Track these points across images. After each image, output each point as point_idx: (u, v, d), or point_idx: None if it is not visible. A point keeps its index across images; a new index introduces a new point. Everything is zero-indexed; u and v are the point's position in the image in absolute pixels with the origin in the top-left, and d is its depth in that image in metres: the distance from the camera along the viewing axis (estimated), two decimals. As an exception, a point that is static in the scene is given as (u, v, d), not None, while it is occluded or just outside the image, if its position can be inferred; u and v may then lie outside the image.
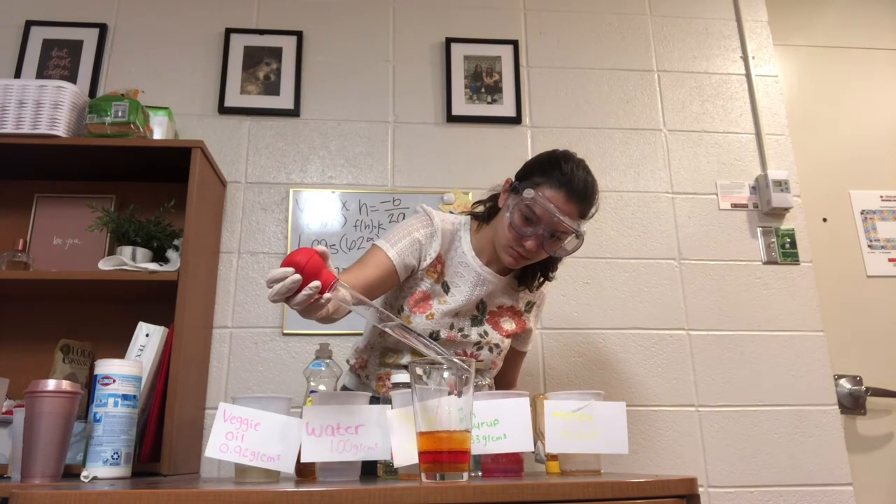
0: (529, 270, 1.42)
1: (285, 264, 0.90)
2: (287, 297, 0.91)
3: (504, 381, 1.54)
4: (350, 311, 1.03)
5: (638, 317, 2.02)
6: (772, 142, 2.23)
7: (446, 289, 1.36)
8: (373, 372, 1.41)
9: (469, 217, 1.44)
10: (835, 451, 1.93)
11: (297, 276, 0.89)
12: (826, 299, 2.09)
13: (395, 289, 1.38)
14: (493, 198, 1.41)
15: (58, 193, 1.94)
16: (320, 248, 0.95)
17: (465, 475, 0.85)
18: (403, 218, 2.03)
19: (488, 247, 1.38)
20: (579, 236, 1.30)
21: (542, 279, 1.45)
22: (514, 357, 1.53)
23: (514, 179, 1.34)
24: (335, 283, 0.92)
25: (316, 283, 0.89)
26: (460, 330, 1.37)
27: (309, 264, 0.89)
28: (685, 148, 2.22)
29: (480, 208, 1.44)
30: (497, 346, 1.40)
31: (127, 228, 1.78)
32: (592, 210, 1.33)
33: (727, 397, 1.96)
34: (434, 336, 1.34)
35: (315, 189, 2.07)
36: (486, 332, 1.39)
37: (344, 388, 1.46)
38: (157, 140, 1.88)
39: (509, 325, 1.43)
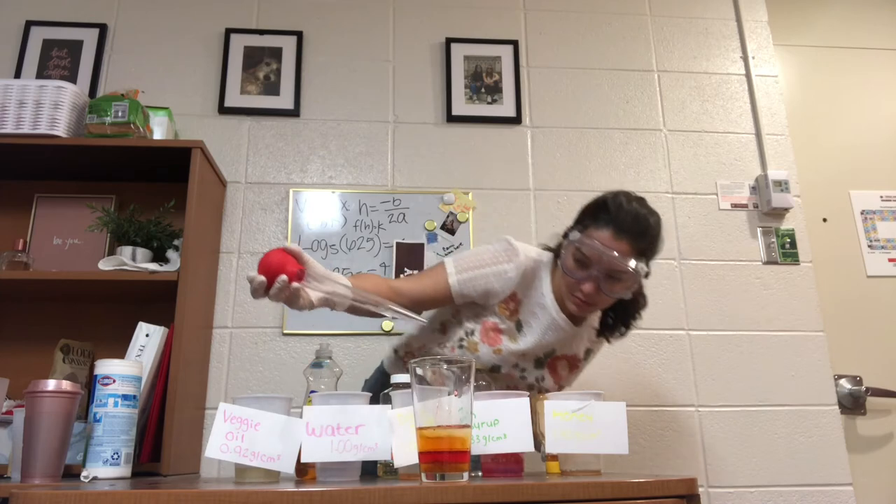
0: (610, 320, 1.37)
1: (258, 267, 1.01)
2: (267, 295, 1.02)
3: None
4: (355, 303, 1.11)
5: (638, 317, 2.02)
6: (772, 142, 2.23)
7: (519, 327, 1.33)
8: None
9: (552, 255, 1.36)
10: (835, 451, 1.93)
11: (261, 277, 1.00)
12: (826, 299, 2.09)
13: (466, 306, 1.34)
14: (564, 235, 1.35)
15: (58, 193, 1.94)
16: (290, 246, 1.04)
17: (465, 475, 0.85)
18: (403, 218, 2.04)
19: (563, 295, 1.31)
20: (638, 274, 1.22)
21: (624, 329, 1.39)
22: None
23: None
24: (301, 272, 1.02)
25: (283, 276, 0.99)
26: (522, 370, 1.36)
27: (273, 263, 1.01)
28: (685, 148, 2.21)
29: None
30: (547, 391, 1.39)
31: (127, 228, 1.78)
32: (649, 245, 1.25)
33: (727, 397, 1.96)
34: (495, 369, 1.33)
35: (315, 189, 2.07)
36: (542, 377, 1.38)
37: (381, 366, 1.50)
38: (157, 140, 1.88)
39: (564, 370, 1.41)
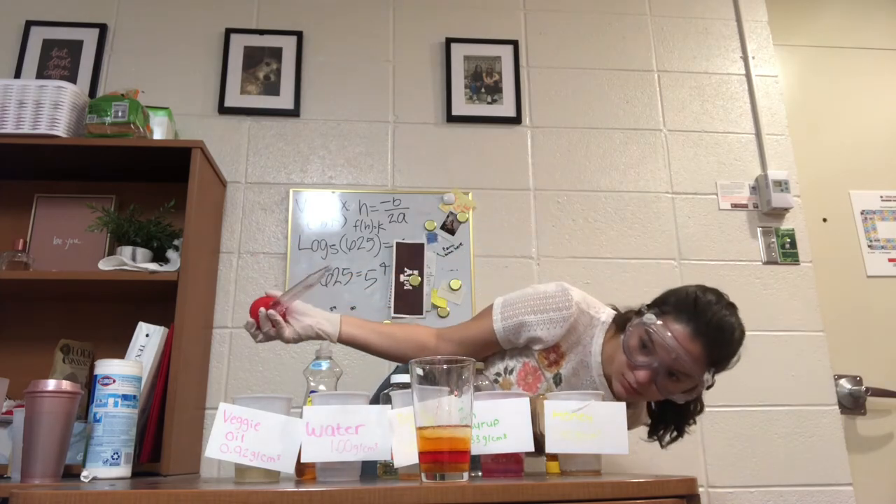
0: (662, 419, 1.29)
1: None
2: (265, 338, 1.27)
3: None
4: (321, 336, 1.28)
5: (638, 317, 2.02)
6: (772, 142, 2.23)
7: (558, 382, 1.26)
8: None
9: (612, 315, 1.27)
10: (835, 451, 1.93)
11: (252, 320, 1.25)
12: (826, 299, 2.09)
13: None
14: (629, 314, 1.25)
15: (58, 193, 1.94)
16: (271, 291, 1.28)
17: (465, 475, 0.85)
18: (403, 219, 2.03)
19: (611, 368, 1.23)
20: (702, 384, 1.15)
21: (675, 433, 1.29)
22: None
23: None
24: (274, 302, 1.24)
25: (251, 321, 1.25)
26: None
27: (256, 303, 1.26)
28: (685, 148, 2.21)
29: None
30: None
31: (127, 228, 1.78)
32: (725, 357, 1.17)
33: (727, 397, 1.96)
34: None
35: (315, 189, 2.07)
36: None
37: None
38: (157, 140, 1.88)
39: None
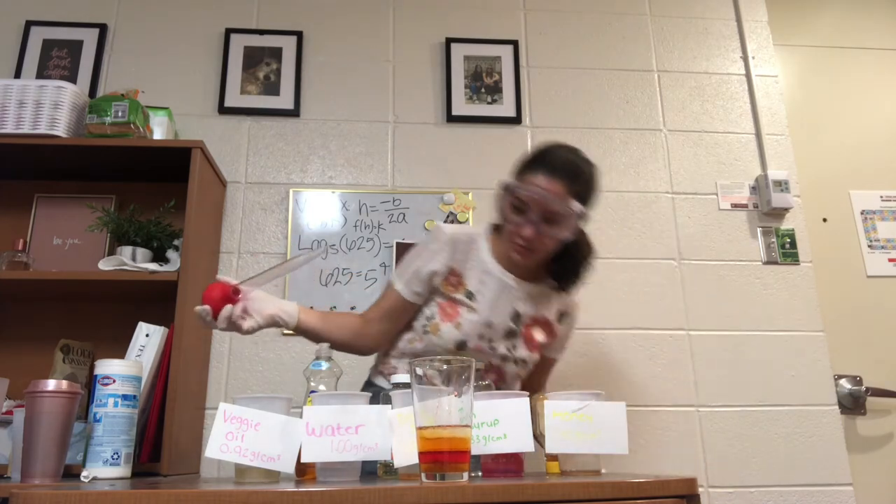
0: (562, 269, 1.40)
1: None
2: (218, 325, 1.18)
3: (532, 385, 1.49)
4: (280, 325, 1.28)
5: (638, 317, 2.02)
6: (772, 142, 2.23)
7: (471, 297, 1.36)
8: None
9: (489, 225, 1.44)
10: (835, 451, 1.93)
11: (207, 306, 1.17)
12: (826, 299, 2.09)
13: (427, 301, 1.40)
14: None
15: (58, 193, 1.94)
16: (224, 278, 1.21)
17: (465, 475, 0.85)
18: (403, 219, 2.04)
19: (506, 252, 1.36)
20: (574, 213, 1.27)
21: (575, 277, 1.41)
22: (544, 363, 1.50)
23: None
24: (235, 289, 1.18)
25: (206, 308, 1.17)
26: (489, 341, 1.36)
27: (214, 291, 1.18)
28: (685, 148, 2.21)
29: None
30: (524, 361, 1.39)
31: (127, 228, 1.78)
32: (584, 188, 1.30)
33: (727, 397, 1.96)
34: (461, 346, 1.34)
35: (315, 189, 2.07)
36: (514, 346, 1.38)
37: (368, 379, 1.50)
38: (157, 140, 1.88)
39: (540, 336, 1.42)
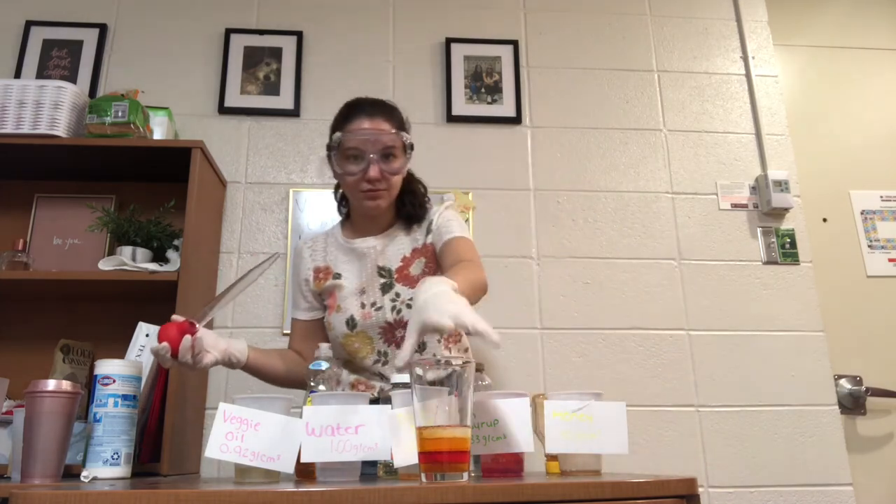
0: (408, 206, 1.46)
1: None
2: (177, 362, 1.16)
3: (446, 268, 1.38)
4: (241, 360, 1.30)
5: (638, 317, 2.02)
6: (772, 142, 2.23)
7: (338, 277, 1.44)
8: (346, 381, 1.42)
9: (337, 223, 1.54)
10: (835, 451, 1.93)
11: (165, 344, 1.13)
12: (826, 299, 2.09)
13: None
14: (336, 186, 1.51)
15: (58, 193, 1.94)
16: (177, 317, 1.19)
17: (465, 475, 0.85)
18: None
19: (357, 221, 1.47)
20: (407, 145, 1.35)
21: (421, 209, 1.46)
22: (447, 251, 1.40)
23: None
24: (190, 324, 1.17)
25: (164, 345, 1.13)
26: (372, 305, 1.38)
27: (170, 328, 1.15)
28: (685, 148, 2.21)
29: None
30: (412, 298, 1.31)
31: (127, 228, 1.78)
32: (402, 121, 1.40)
33: (727, 397, 1.96)
34: (351, 325, 1.38)
35: (315, 189, 2.07)
36: (397, 294, 1.38)
37: None
38: (157, 140, 1.88)
39: (417, 268, 1.42)
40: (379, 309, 1.38)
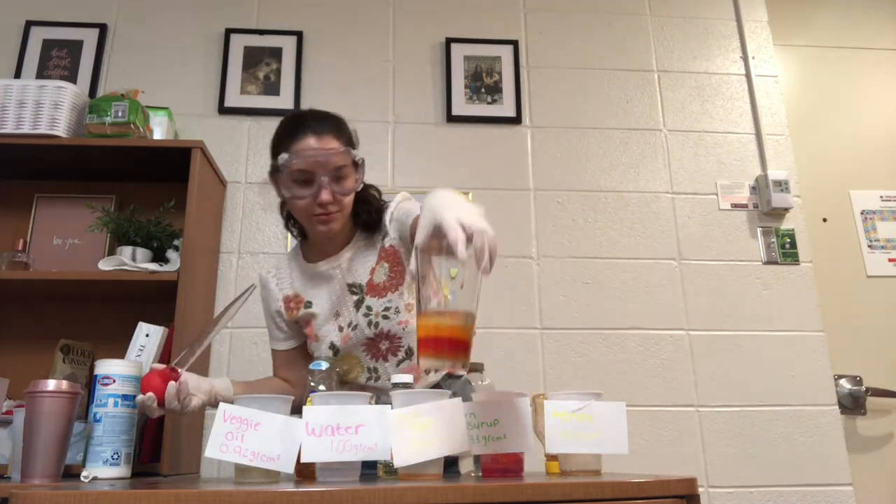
0: (364, 217, 1.36)
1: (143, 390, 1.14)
2: (166, 410, 1.13)
3: None
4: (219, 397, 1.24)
5: (638, 317, 2.02)
6: (772, 142, 2.23)
7: (309, 305, 1.36)
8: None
9: (296, 244, 1.45)
10: (835, 451, 1.93)
11: (150, 394, 1.11)
12: (826, 299, 2.09)
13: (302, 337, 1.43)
14: (281, 205, 1.39)
15: (58, 193, 1.94)
16: (157, 365, 1.17)
17: (462, 368, 0.86)
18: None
19: (315, 242, 1.37)
20: (356, 160, 1.26)
21: (376, 216, 1.37)
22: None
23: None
24: (173, 371, 1.15)
25: (150, 395, 1.11)
26: (349, 325, 1.33)
27: (152, 378, 1.14)
28: (685, 148, 2.22)
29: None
30: (386, 309, 1.31)
31: (127, 228, 1.78)
32: (350, 136, 1.30)
33: (727, 397, 1.96)
34: (333, 349, 1.33)
35: (315, 189, 2.07)
36: (368, 308, 1.32)
37: None
38: (157, 140, 1.88)
39: (381, 275, 1.33)
40: (356, 328, 1.32)
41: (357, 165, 1.27)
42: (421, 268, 0.88)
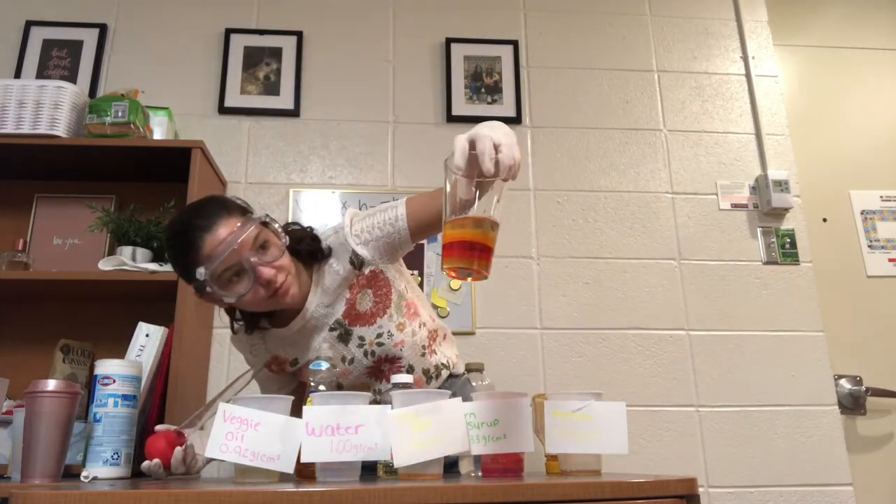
0: (308, 254, 1.28)
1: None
2: (175, 470, 1.12)
3: (432, 224, 1.30)
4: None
5: (638, 317, 2.02)
6: (772, 142, 2.23)
7: (295, 363, 1.34)
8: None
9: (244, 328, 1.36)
10: (835, 451, 1.93)
11: (157, 460, 1.11)
12: (826, 299, 2.09)
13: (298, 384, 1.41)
14: (228, 311, 1.32)
15: (58, 193, 1.94)
16: (161, 427, 1.16)
17: (484, 273, 0.88)
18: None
19: (280, 314, 1.30)
20: (263, 221, 1.17)
21: (308, 241, 1.28)
22: (412, 215, 1.32)
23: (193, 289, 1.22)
24: (178, 434, 1.14)
25: (156, 461, 1.11)
26: (342, 360, 1.30)
27: (157, 448, 1.12)
28: (685, 148, 2.21)
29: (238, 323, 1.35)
30: (378, 335, 1.29)
31: (127, 228, 1.78)
32: (238, 206, 1.20)
33: (727, 397, 1.96)
34: (338, 387, 1.30)
35: (315, 189, 2.07)
36: (361, 338, 1.29)
37: None
38: (157, 140, 1.88)
39: (367, 302, 1.29)
40: (353, 362, 1.30)
41: (267, 225, 1.18)
42: (450, 181, 0.95)
